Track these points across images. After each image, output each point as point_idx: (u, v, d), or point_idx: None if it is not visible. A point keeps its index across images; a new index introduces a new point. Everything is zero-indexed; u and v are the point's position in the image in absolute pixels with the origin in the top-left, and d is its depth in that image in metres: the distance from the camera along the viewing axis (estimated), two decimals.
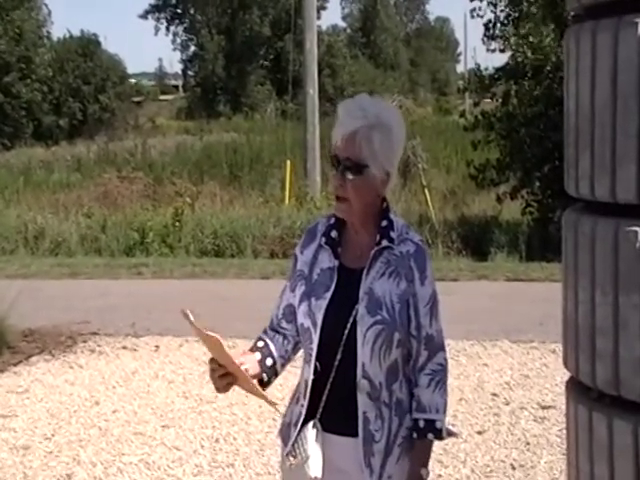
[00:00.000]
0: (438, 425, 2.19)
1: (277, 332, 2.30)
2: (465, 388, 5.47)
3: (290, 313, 2.28)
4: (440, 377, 2.21)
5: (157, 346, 6.72)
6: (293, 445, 2.21)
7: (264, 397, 2.13)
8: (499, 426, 4.84)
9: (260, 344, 2.26)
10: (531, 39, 12.42)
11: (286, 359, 2.29)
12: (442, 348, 2.24)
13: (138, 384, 5.80)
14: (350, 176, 2.11)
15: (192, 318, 2.02)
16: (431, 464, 2.26)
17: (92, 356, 6.51)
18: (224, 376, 2.08)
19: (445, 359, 2.24)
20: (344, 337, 2.13)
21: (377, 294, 2.14)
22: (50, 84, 36.29)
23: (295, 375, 2.34)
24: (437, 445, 4.36)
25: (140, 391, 5.65)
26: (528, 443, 4.57)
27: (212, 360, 2.09)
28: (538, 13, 12.51)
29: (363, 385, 2.14)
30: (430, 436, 2.19)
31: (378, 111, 2.12)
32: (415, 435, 2.20)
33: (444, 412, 2.22)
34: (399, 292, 2.14)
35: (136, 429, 4.95)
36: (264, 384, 2.23)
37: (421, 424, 2.18)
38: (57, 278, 9.78)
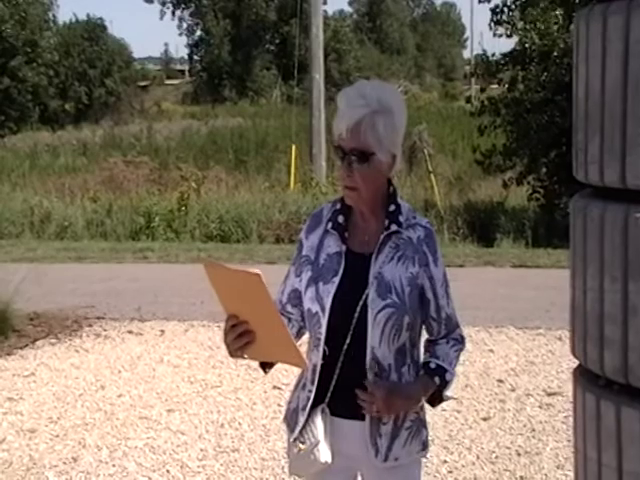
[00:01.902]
0: (447, 377, 2.21)
1: (282, 315, 2.29)
2: (470, 374, 5.46)
3: (295, 297, 2.28)
4: (459, 345, 2.27)
5: (162, 330, 6.73)
6: (301, 431, 2.21)
7: (295, 352, 1.97)
8: (504, 412, 4.83)
9: None
10: (538, 24, 12.32)
11: None
12: (458, 325, 2.30)
13: (143, 368, 5.81)
14: (357, 165, 2.10)
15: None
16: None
17: (98, 340, 6.53)
18: (242, 335, 1.98)
19: (461, 335, 2.30)
20: (354, 321, 2.13)
21: (387, 278, 2.14)
22: (56, 68, 36.29)
23: None
24: (442, 432, 4.40)
25: (145, 375, 5.66)
26: (534, 430, 4.57)
27: (232, 317, 1.98)
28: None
29: (372, 367, 2.14)
30: (436, 379, 2.19)
31: (379, 95, 2.10)
32: (422, 372, 2.21)
33: (454, 371, 2.23)
34: (408, 276, 2.15)
35: (141, 413, 4.97)
36: (266, 367, 2.21)
37: (432, 365, 2.21)
38: (63, 262, 9.80)
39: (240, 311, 1.98)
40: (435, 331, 2.24)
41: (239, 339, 1.99)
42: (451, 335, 2.26)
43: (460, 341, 2.28)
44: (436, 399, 2.23)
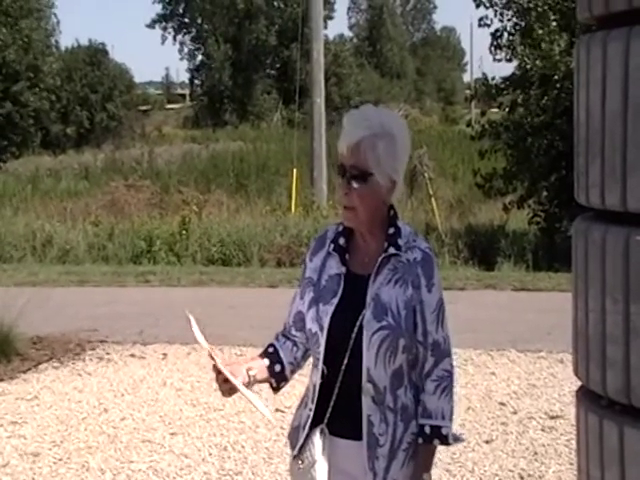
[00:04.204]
0: (444, 431, 2.21)
1: (288, 339, 2.34)
2: (473, 397, 5.47)
3: (300, 320, 2.31)
4: (446, 383, 2.23)
5: (165, 354, 6.74)
6: (300, 449, 2.24)
7: (251, 402, 2.17)
8: (507, 435, 4.83)
9: (270, 350, 2.32)
10: (543, 46, 12.37)
11: (295, 365, 2.33)
12: (448, 354, 2.25)
13: (146, 392, 5.82)
14: (355, 184, 2.15)
15: (193, 323, 2.16)
16: (439, 473, 2.28)
17: (100, 364, 6.53)
18: (226, 381, 2.15)
19: (451, 365, 2.26)
20: (351, 341, 2.16)
21: (383, 300, 2.17)
22: (58, 93, 36.44)
23: (302, 384, 2.36)
24: (445, 454, 4.39)
25: (148, 399, 5.66)
26: (536, 453, 4.57)
27: (214, 367, 2.17)
28: (551, 22, 12.47)
29: (367, 389, 2.17)
30: (436, 442, 2.22)
31: (382, 120, 2.17)
32: (421, 440, 2.21)
33: (450, 418, 2.23)
34: (405, 299, 2.17)
35: (144, 436, 4.97)
36: (274, 389, 2.30)
37: (427, 430, 2.20)
38: (65, 286, 9.81)
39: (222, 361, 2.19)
40: (421, 356, 2.21)
41: (223, 385, 2.17)
42: (439, 366, 2.22)
43: (448, 375, 2.24)
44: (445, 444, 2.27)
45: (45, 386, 5.99)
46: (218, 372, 2.15)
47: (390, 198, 2.21)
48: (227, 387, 2.16)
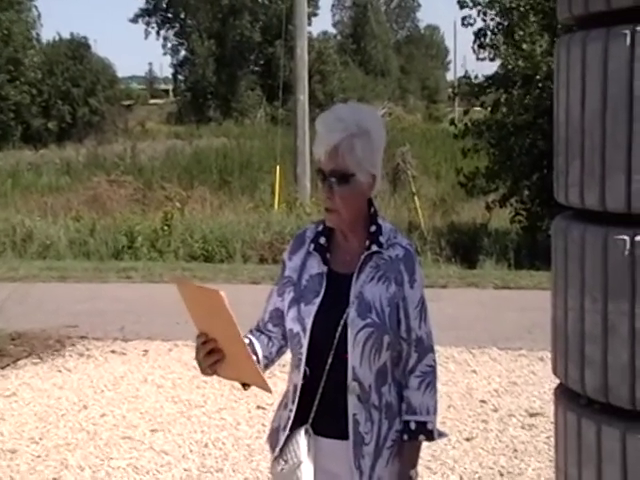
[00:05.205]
0: (429, 426, 2.22)
1: (262, 333, 2.31)
2: (454, 395, 5.48)
3: (277, 317, 2.30)
4: (430, 379, 2.24)
5: (146, 350, 6.71)
6: (283, 449, 2.22)
7: (258, 375, 2.01)
8: (487, 433, 4.85)
9: (245, 341, 2.27)
10: (524, 47, 12.45)
11: (270, 360, 2.30)
12: (431, 350, 2.26)
13: (127, 388, 5.79)
14: (337, 187, 2.13)
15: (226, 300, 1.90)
16: (420, 470, 2.28)
17: (81, 360, 6.49)
18: (212, 353, 2.03)
19: (434, 360, 2.27)
20: (335, 341, 2.15)
21: (367, 298, 2.16)
22: (39, 87, 36.20)
23: (285, 381, 2.35)
24: (426, 452, 4.39)
25: (129, 395, 5.64)
26: (516, 450, 4.59)
27: (202, 334, 2.03)
28: (533, 24, 12.54)
29: (353, 388, 2.16)
30: (421, 438, 2.22)
31: (356, 119, 2.13)
32: (406, 437, 2.21)
33: (434, 413, 2.24)
34: (388, 296, 2.17)
35: (125, 433, 4.94)
36: (244, 385, 2.20)
37: (412, 426, 2.20)
38: (46, 281, 9.74)
39: (209, 329, 2.01)
40: (405, 352, 2.21)
41: (208, 357, 2.04)
42: (423, 362, 2.22)
43: (432, 370, 2.24)
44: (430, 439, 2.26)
45: (24, 382, 5.95)
46: (206, 340, 2.00)
47: (372, 192, 2.21)
48: (211, 361, 2.03)
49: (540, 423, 4.96)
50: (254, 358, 2.09)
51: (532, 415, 5.11)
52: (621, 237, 1.70)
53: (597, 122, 1.72)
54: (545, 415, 5.01)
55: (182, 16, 47.97)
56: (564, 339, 1.87)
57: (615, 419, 1.74)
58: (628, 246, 1.68)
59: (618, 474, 1.72)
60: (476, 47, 13.52)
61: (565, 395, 1.91)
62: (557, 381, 2.00)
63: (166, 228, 12.62)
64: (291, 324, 2.21)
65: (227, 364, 2.04)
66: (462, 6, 13.28)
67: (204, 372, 2.08)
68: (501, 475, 4.27)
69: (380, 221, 2.23)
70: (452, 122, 15.21)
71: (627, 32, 1.66)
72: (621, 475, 1.71)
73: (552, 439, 2.05)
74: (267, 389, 2.03)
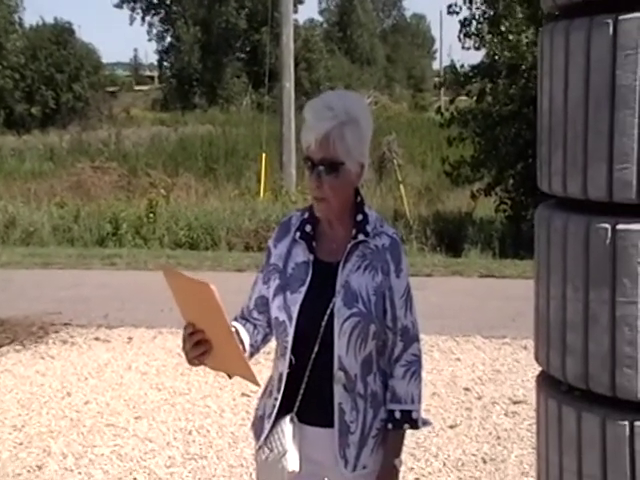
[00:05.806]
0: (414, 415, 2.23)
1: (248, 321, 2.30)
2: (438, 383, 5.51)
3: (262, 304, 2.29)
4: (415, 368, 2.24)
5: (130, 337, 6.69)
6: (268, 438, 2.22)
7: (246, 368, 1.99)
8: (471, 420, 4.88)
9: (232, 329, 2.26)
10: (510, 37, 12.47)
11: (255, 348, 2.29)
12: (417, 339, 2.26)
13: (111, 375, 5.78)
14: (326, 176, 2.11)
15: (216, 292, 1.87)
16: (403, 457, 2.29)
17: (64, 347, 6.47)
18: (199, 344, 2.01)
19: (419, 350, 2.27)
20: (321, 330, 2.15)
21: (353, 287, 2.16)
22: (22, 72, 35.86)
23: (269, 368, 2.35)
24: (409, 439, 4.41)
25: (113, 382, 5.63)
26: (499, 437, 4.62)
27: (189, 325, 2.01)
28: (518, 14, 12.56)
29: (339, 377, 2.16)
30: (406, 426, 2.22)
31: (346, 106, 2.11)
32: (391, 426, 2.22)
33: (419, 402, 2.25)
34: (374, 285, 2.17)
35: (108, 420, 4.94)
36: (229, 375, 2.19)
37: (397, 415, 2.21)
38: (29, 268, 9.70)
39: (197, 319, 1.99)
40: (390, 341, 2.21)
41: (196, 348, 2.01)
42: (408, 351, 2.23)
43: (417, 359, 2.25)
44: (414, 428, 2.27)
45: (6, 369, 5.92)
46: (194, 331, 1.98)
47: (359, 181, 2.20)
48: (198, 352, 2.01)
49: (523, 411, 4.99)
50: (242, 350, 2.07)
51: (515, 403, 5.15)
52: (603, 226, 1.71)
53: (580, 111, 1.72)
54: (528, 403, 5.05)
55: (167, 2, 47.61)
56: (546, 327, 1.88)
57: (595, 406, 1.75)
58: (609, 235, 1.69)
59: (598, 460, 1.74)
60: (462, 36, 13.51)
61: (547, 382, 1.93)
62: (539, 369, 2.01)
63: (151, 215, 12.57)
64: (277, 312, 2.21)
65: (215, 356, 2.03)
66: None
67: (191, 363, 2.06)
68: (484, 462, 4.30)
69: (367, 210, 2.23)
70: (438, 111, 15.23)
71: (610, 21, 1.66)
72: (601, 461, 1.73)
73: (534, 426, 2.06)
74: (255, 382, 2.02)
